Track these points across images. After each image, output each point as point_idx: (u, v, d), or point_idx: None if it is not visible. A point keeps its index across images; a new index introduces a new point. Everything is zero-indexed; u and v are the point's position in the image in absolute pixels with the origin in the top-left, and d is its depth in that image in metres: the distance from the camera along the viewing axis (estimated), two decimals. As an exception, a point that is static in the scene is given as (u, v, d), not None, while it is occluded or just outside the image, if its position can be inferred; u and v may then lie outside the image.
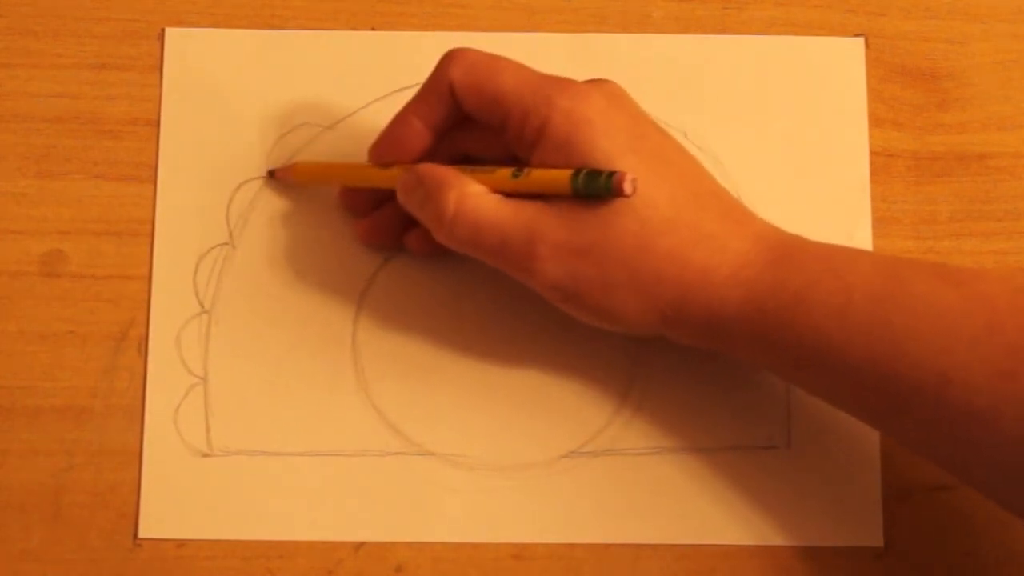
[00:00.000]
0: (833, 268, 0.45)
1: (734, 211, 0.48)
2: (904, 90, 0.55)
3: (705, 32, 0.56)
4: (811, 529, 0.52)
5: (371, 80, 0.55)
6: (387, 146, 0.51)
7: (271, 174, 0.54)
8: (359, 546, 0.52)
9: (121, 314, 0.53)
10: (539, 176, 0.47)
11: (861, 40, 0.56)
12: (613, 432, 0.53)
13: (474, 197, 0.47)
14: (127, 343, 0.53)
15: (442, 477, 0.52)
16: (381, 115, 0.55)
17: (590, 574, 0.52)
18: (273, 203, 0.54)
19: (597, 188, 0.45)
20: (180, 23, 0.56)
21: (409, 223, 0.52)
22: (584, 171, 0.46)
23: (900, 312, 0.44)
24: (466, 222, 0.47)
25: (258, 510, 0.52)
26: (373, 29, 0.56)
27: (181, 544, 0.52)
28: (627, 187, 0.45)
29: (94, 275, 0.54)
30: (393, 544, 0.52)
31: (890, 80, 0.56)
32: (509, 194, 0.47)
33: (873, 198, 0.55)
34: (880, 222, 0.54)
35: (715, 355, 0.53)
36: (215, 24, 0.56)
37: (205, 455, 0.52)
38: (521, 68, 0.48)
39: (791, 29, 0.56)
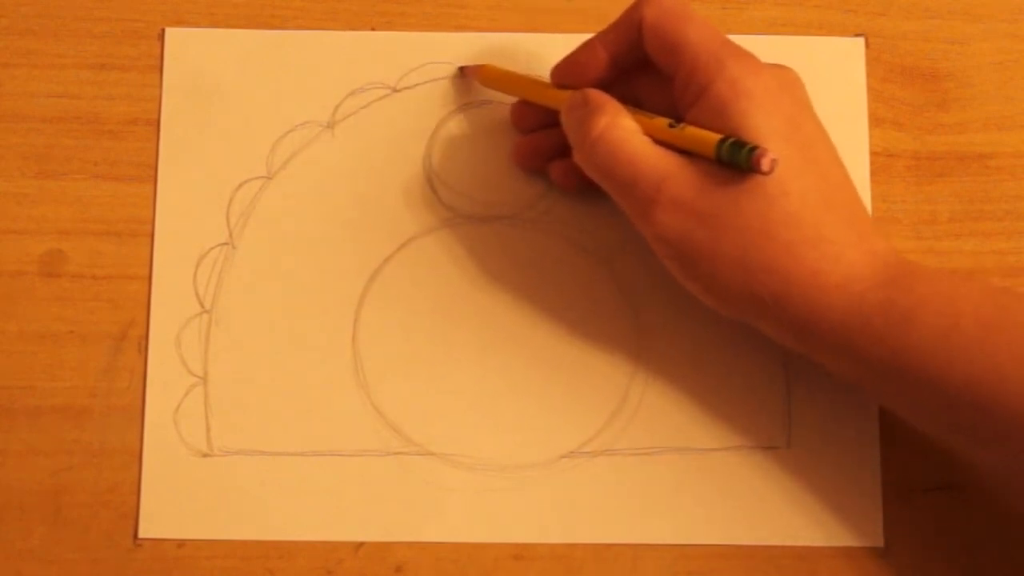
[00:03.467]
0: (943, 292, 0.46)
1: (859, 223, 0.48)
2: (904, 90, 0.55)
3: (705, 32, 0.56)
4: (811, 529, 0.52)
5: (371, 80, 0.55)
6: (569, 67, 0.52)
7: (461, 71, 0.55)
8: (359, 546, 0.52)
9: (121, 314, 0.53)
10: (691, 133, 0.47)
11: (861, 40, 0.56)
12: (613, 432, 0.53)
13: (622, 129, 0.48)
14: (127, 343, 0.53)
15: (442, 477, 0.52)
16: (381, 115, 0.55)
17: (590, 574, 0.52)
18: (273, 203, 0.54)
19: (738, 158, 0.46)
20: (180, 23, 0.56)
21: (561, 153, 0.52)
22: (731, 139, 0.46)
23: (1007, 340, 0.44)
24: (607, 148, 0.48)
25: (258, 510, 0.52)
26: (373, 29, 0.56)
27: (181, 544, 0.52)
28: (765, 164, 0.45)
29: (94, 275, 0.54)
30: (393, 544, 0.52)
31: (890, 80, 0.56)
32: (659, 142, 0.48)
33: (873, 198, 0.55)
34: (880, 222, 0.54)
35: (715, 355, 0.53)
36: (215, 24, 0.56)
37: (205, 455, 0.52)
38: (709, 27, 0.49)
39: (791, 29, 0.56)
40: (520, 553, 0.52)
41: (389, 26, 0.56)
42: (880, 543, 0.52)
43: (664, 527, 0.52)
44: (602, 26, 0.55)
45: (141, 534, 0.52)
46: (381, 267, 0.54)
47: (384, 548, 0.52)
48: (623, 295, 0.54)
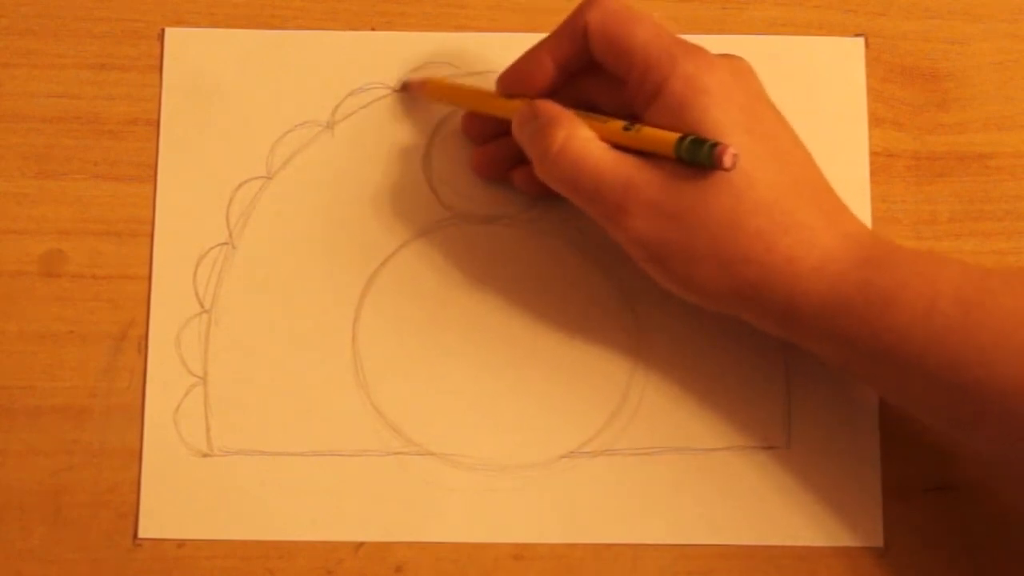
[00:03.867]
0: (922, 272, 0.46)
1: (830, 206, 0.48)
2: (904, 90, 0.55)
3: (705, 32, 0.56)
4: (811, 529, 0.52)
5: (371, 80, 0.55)
6: (514, 77, 0.51)
7: (404, 87, 0.55)
8: (359, 546, 0.52)
9: (121, 314, 0.53)
10: (648, 134, 0.47)
11: (861, 40, 0.56)
12: (613, 432, 0.53)
13: (580, 140, 0.48)
14: (127, 343, 0.53)
15: (442, 477, 0.52)
16: (381, 115, 0.55)
17: (590, 574, 0.52)
18: (273, 203, 0.54)
19: (699, 156, 0.45)
20: (180, 23, 0.56)
21: (520, 160, 0.52)
22: (690, 137, 0.46)
23: (987, 320, 0.44)
24: (567, 161, 0.48)
25: (258, 510, 0.52)
26: (373, 29, 0.56)
27: (181, 544, 0.52)
28: (727, 160, 0.45)
29: (94, 275, 0.54)
30: (393, 544, 0.52)
31: (890, 80, 0.56)
32: (616, 146, 0.48)
33: (873, 198, 0.55)
34: (880, 222, 0.54)
35: (715, 355, 0.53)
36: (215, 24, 0.56)
37: (205, 455, 0.52)
38: (657, 26, 0.48)
39: (791, 29, 0.56)
40: (520, 553, 0.52)
41: (389, 26, 0.56)
42: (880, 543, 0.52)
43: (664, 527, 0.52)
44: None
45: (141, 534, 0.52)
46: (381, 267, 0.54)
47: (384, 548, 0.52)
48: (622, 295, 0.54)
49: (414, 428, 0.53)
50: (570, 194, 0.49)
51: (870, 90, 0.55)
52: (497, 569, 0.52)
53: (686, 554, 0.52)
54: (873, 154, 0.55)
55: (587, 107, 0.50)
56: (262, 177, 0.55)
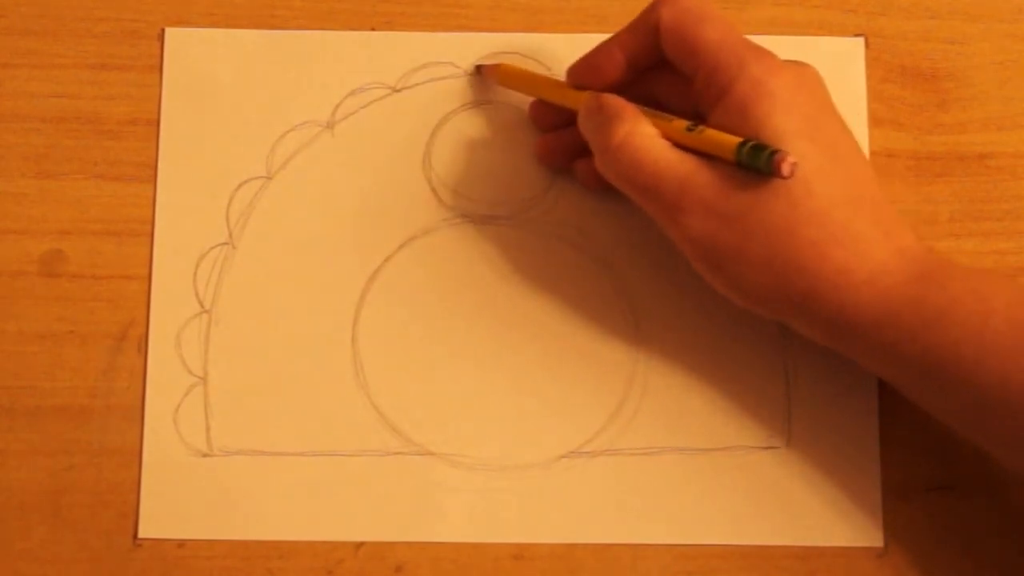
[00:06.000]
0: (975, 289, 0.45)
1: (886, 221, 0.48)
2: (904, 90, 0.55)
3: (705, 32, 0.55)
4: (811, 529, 0.52)
5: (371, 80, 0.55)
6: (584, 69, 0.51)
7: (478, 69, 0.55)
8: (359, 546, 0.52)
9: (121, 314, 0.53)
10: (709, 136, 0.47)
11: (861, 40, 0.56)
12: (613, 432, 0.53)
13: (642, 136, 0.48)
14: (127, 343, 0.53)
15: (442, 477, 0.52)
16: (381, 115, 0.55)
17: (590, 574, 0.52)
18: (273, 203, 0.54)
19: (757, 162, 0.45)
20: (180, 23, 0.56)
21: (583, 151, 0.52)
22: (751, 143, 0.46)
23: None
24: (627, 155, 0.48)
25: (258, 510, 0.52)
26: (373, 29, 0.56)
27: (181, 544, 0.52)
28: (785, 169, 0.45)
29: (94, 275, 0.54)
30: (393, 544, 0.52)
31: (890, 80, 0.56)
32: (678, 145, 0.48)
33: (873, 198, 0.54)
34: (880, 222, 0.54)
35: (715, 355, 0.53)
36: (215, 24, 0.56)
37: (205, 455, 0.52)
38: (728, 27, 0.49)
39: (791, 29, 0.56)
40: (520, 553, 0.52)
41: (389, 26, 0.56)
42: (880, 543, 0.52)
43: (664, 527, 0.52)
44: (602, 25, 0.55)
45: (141, 534, 0.52)
46: (381, 267, 0.54)
47: (384, 548, 0.52)
48: (623, 295, 0.54)
49: (414, 428, 0.53)
50: (628, 189, 0.49)
51: (870, 90, 0.55)
52: (497, 569, 0.52)
53: (686, 554, 0.52)
54: (873, 154, 0.55)
55: (653, 105, 0.50)
56: (262, 177, 0.55)
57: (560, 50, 0.55)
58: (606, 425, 0.53)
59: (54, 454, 0.52)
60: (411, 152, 0.55)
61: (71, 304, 0.53)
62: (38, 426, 0.52)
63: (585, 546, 0.52)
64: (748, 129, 0.46)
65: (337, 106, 0.55)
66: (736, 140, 0.46)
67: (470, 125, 0.55)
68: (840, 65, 0.56)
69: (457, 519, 0.52)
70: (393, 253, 0.54)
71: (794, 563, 0.52)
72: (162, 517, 0.52)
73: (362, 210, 0.54)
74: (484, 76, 0.55)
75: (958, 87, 0.55)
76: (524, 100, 0.55)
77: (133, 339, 0.53)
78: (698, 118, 0.48)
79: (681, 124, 0.48)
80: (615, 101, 0.49)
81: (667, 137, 0.48)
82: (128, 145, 0.55)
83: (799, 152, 0.45)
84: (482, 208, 0.55)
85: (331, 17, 0.56)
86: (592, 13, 0.56)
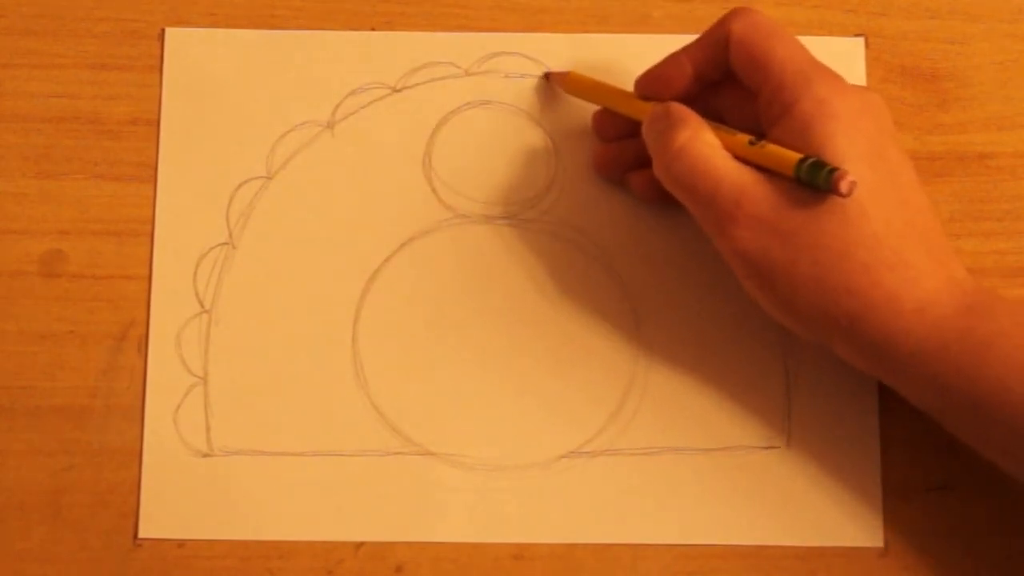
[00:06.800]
0: (1022, 323, 0.45)
1: (939, 250, 0.47)
2: (904, 90, 0.55)
3: (705, 32, 0.56)
4: (811, 529, 0.52)
5: (371, 80, 0.55)
6: (653, 79, 0.52)
7: (546, 76, 0.55)
8: (359, 546, 0.52)
9: (121, 314, 0.53)
10: (771, 151, 0.47)
11: (861, 40, 0.56)
12: (613, 432, 0.53)
13: (703, 143, 0.48)
14: (127, 343, 0.53)
15: (442, 477, 0.52)
16: (381, 115, 0.55)
17: (590, 574, 0.52)
18: (273, 203, 0.54)
19: (816, 179, 0.45)
20: (180, 23, 0.56)
21: (640, 165, 0.52)
22: (811, 160, 0.46)
23: None
24: (686, 161, 0.48)
25: (258, 510, 0.52)
26: (373, 29, 0.56)
27: (181, 544, 0.52)
28: (844, 186, 0.45)
29: (94, 275, 0.54)
30: (393, 544, 0.52)
31: (890, 80, 0.56)
32: (738, 158, 0.48)
33: (873, 198, 0.54)
34: (880, 222, 0.54)
35: (715, 355, 0.53)
36: (215, 24, 0.56)
37: (205, 455, 0.52)
38: (797, 45, 0.49)
39: (791, 29, 0.55)
40: (520, 553, 0.52)
41: (389, 26, 0.56)
42: (880, 543, 0.52)
43: (664, 527, 0.52)
44: (602, 25, 0.55)
45: (141, 534, 0.52)
46: (381, 267, 0.54)
47: (384, 548, 0.52)
48: (623, 295, 0.54)
49: (414, 428, 0.53)
50: (684, 195, 0.48)
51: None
52: (497, 569, 0.52)
53: (686, 554, 0.52)
54: (873, 154, 0.55)
55: (717, 119, 0.50)
56: (262, 177, 0.55)
57: (560, 50, 0.55)
58: (606, 425, 0.53)
59: (54, 454, 0.52)
60: (411, 152, 0.55)
61: (71, 304, 0.53)
62: (38, 426, 0.52)
63: (585, 546, 0.52)
64: (809, 148, 0.46)
65: (337, 106, 0.55)
66: (797, 156, 0.46)
67: (470, 125, 0.55)
68: (840, 65, 0.55)
69: (457, 519, 0.52)
70: (393, 253, 0.54)
71: (794, 563, 0.52)
72: (162, 517, 0.52)
73: (362, 210, 0.54)
74: (552, 83, 0.55)
75: (958, 87, 0.55)
76: (524, 100, 0.55)
77: (133, 339, 0.53)
78: (760, 136, 0.48)
79: (743, 138, 0.48)
80: (680, 108, 0.50)
81: (728, 149, 0.48)
82: (128, 145, 0.55)
83: (858, 174, 0.45)
84: (482, 208, 0.55)
85: (331, 17, 0.56)
86: (592, 13, 0.56)
